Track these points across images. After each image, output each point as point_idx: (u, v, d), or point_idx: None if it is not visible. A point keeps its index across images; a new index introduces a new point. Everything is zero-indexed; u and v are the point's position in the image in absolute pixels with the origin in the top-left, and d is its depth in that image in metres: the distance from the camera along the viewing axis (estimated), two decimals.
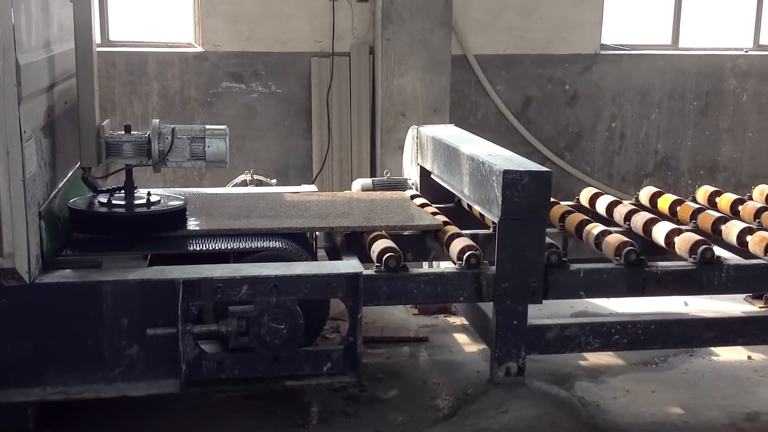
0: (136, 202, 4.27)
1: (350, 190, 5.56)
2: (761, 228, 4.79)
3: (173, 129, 4.26)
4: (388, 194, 5.18)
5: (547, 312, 4.80)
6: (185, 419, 4.06)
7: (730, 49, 7.85)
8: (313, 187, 5.44)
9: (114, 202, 4.22)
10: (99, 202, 4.24)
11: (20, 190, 3.42)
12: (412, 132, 5.52)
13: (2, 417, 3.65)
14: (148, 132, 4.27)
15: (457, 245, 4.26)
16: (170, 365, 3.74)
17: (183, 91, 6.84)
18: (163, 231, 4.18)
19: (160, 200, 4.31)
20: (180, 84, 6.83)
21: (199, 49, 6.87)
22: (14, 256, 3.46)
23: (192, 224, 4.29)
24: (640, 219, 4.85)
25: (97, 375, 3.70)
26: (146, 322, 3.69)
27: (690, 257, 4.34)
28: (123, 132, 4.29)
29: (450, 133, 5.17)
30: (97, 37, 4.37)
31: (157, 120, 4.33)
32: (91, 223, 4.15)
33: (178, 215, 4.26)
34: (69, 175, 4.35)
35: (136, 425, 3.99)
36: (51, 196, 3.94)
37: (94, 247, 4.04)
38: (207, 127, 4.33)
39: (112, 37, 6.85)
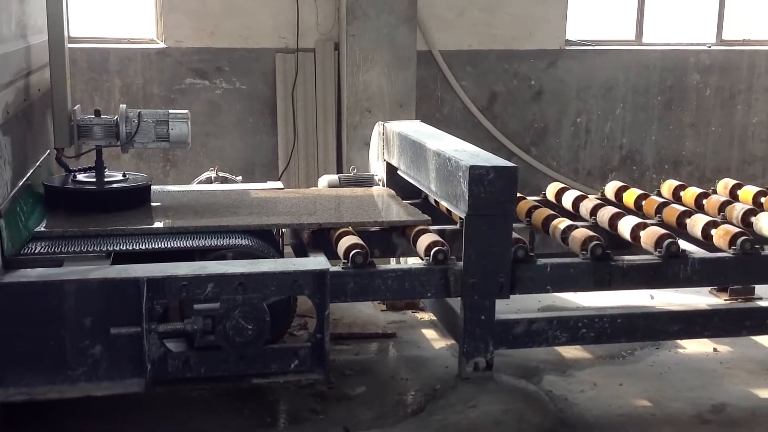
0: (106, 179, 4.59)
1: (316, 186, 5.53)
2: (725, 221, 4.85)
3: (139, 113, 4.58)
4: (355, 190, 5.16)
5: (514, 307, 4.81)
6: (151, 419, 4.01)
7: (693, 44, 7.95)
8: (279, 184, 5.40)
9: (84, 179, 4.57)
10: (71, 180, 4.57)
11: None
12: (378, 128, 5.50)
13: None
14: (116, 116, 4.58)
15: (424, 241, 4.25)
16: (135, 364, 3.68)
17: (146, 88, 6.75)
18: (129, 206, 4.46)
19: (127, 177, 4.65)
20: (143, 80, 6.74)
21: (162, 45, 6.79)
22: None
23: (156, 222, 4.24)
24: (605, 213, 4.88)
25: (61, 375, 3.63)
26: (110, 321, 3.62)
27: (655, 251, 4.37)
28: (93, 116, 4.61)
29: (416, 129, 5.16)
30: (67, 30, 4.57)
31: (125, 105, 4.66)
32: (64, 198, 4.44)
33: (144, 191, 4.60)
34: (29, 173, 4.27)
35: (102, 425, 3.93)
36: (11, 195, 3.86)
37: (56, 245, 3.97)
38: (170, 111, 4.67)
39: (72, 33, 6.72)
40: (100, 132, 4.56)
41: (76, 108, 4.60)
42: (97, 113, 4.62)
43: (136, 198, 4.57)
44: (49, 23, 4.35)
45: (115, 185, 4.55)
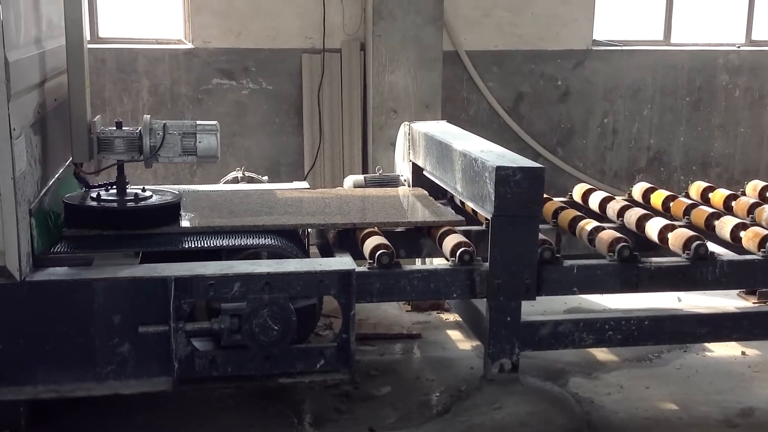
0: (128, 197, 4.28)
1: (342, 186, 5.54)
2: (755, 223, 4.79)
3: (164, 125, 4.27)
4: (381, 191, 5.17)
5: (540, 308, 4.80)
6: (177, 417, 4.04)
7: (722, 45, 7.86)
8: (304, 184, 5.42)
9: (106, 197, 4.24)
10: (91, 197, 4.24)
11: (10, 188, 3.40)
12: (404, 128, 5.50)
13: None
14: (140, 128, 4.27)
15: (450, 242, 4.24)
16: (162, 363, 3.72)
17: (173, 88, 6.80)
18: (155, 226, 4.16)
19: (152, 195, 4.31)
20: (170, 81, 6.79)
21: (189, 45, 6.83)
22: (5, 255, 3.44)
23: (184, 221, 4.27)
24: (633, 215, 4.85)
25: (89, 373, 3.68)
26: (138, 319, 3.67)
27: (683, 253, 4.33)
28: (114, 128, 4.30)
29: (442, 130, 5.15)
30: (87, 34, 4.35)
31: (149, 116, 4.32)
32: (83, 218, 4.13)
33: (172, 210, 4.26)
34: (60, 172, 4.31)
35: (128, 423, 3.97)
36: (41, 194, 3.91)
37: (86, 244, 4.01)
38: (198, 122, 4.34)
39: (101, 34, 6.80)
40: (121, 145, 4.24)
41: (96, 119, 4.31)
42: (119, 125, 4.31)
43: (165, 217, 4.22)
44: (67, 27, 4.10)
45: (139, 203, 4.22)
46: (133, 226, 4.12)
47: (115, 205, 4.19)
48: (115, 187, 4.33)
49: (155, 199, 4.29)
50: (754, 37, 7.93)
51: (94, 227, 4.09)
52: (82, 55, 4.18)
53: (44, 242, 3.87)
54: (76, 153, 4.18)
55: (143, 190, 4.35)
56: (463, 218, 4.68)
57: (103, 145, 4.25)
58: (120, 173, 4.30)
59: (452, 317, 5.36)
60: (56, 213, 4.12)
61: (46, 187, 4.04)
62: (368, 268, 4.06)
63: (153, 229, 4.14)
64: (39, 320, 3.61)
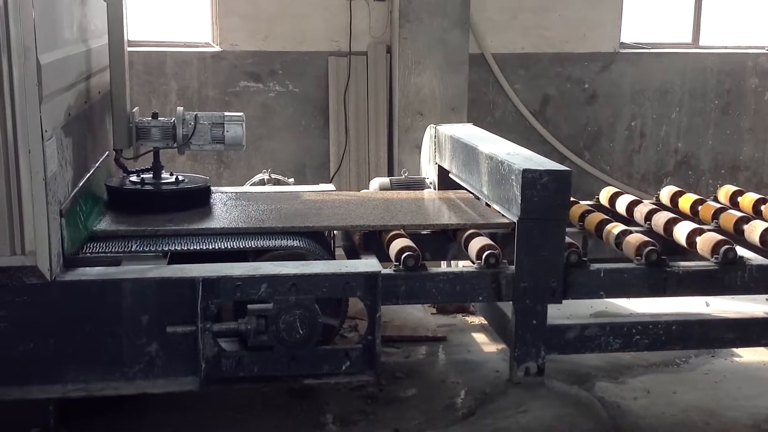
0: (164, 181, 4.66)
1: (368, 189, 5.55)
2: None
3: (196, 115, 4.65)
4: (407, 193, 5.17)
5: (566, 312, 4.78)
6: (204, 417, 4.06)
7: (751, 48, 7.80)
8: (330, 186, 5.44)
9: (146, 180, 4.63)
10: (130, 180, 4.63)
11: (42, 189, 3.44)
12: (429, 131, 5.50)
13: (24, 413, 3.67)
14: (174, 118, 4.64)
15: (476, 244, 4.24)
16: (190, 363, 3.75)
17: (201, 91, 6.85)
18: (189, 207, 4.48)
19: (185, 179, 4.70)
20: (198, 83, 6.84)
21: (217, 48, 6.89)
22: (36, 254, 3.48)
23: (211, 223, 4.30)
24: (661, 218, 4.81)
25: (117, 372, 3.71)
26: (166, 319, 3.70)
27: (712, 257, 4.30)
28: (151, 118, 4.67)
29: (468, 132, 5.15)
30: (127, 33, 4.72)
31: (182, 107, 4.70)
32: (125, 199, 4.50)
33: (204, 192, 4.65)
34: (89, 173, 4.36)
35: (155, 422, 4.00)
36: (72, 195, 3.95)
37: (115, 244, 4.05)
38: (226, 114, 4.72)
39: (130, 37, 6.83)
40: (157, 134, 4.63)
41: (134, 110, 4.69)
42: (155, 116, 4.69)
43: (197, 199, 4.60)
44: (109, 27, 4.48)
45: (175, 186, 4.60)
46: (168, 208, 4.44)
47: (151, 187, 4.57)
48: (151, 171, 4.69)
49: (187, 182, 4.66)
50: None
51: (133, 208, 4.42)
52: (123, 52, 4.55)
53: (74, 242, 3.91)
54: (117, 140, 4.58)
55: (171, 174, 4.72)
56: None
57: (141, 134, 4.64)
58: (156, 159, 4.70)
59: (477, 320, 5.35)
60: (86, 213, 4.17)
61: (77, 188, 4.08)
62: (394, 271, 4.07)
63: (185, 211, 4.43)
64: (69, 320, 3.65)
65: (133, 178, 4.66)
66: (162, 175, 4.68)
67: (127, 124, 4.56)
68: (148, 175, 4.67)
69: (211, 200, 4.71)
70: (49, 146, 3.50)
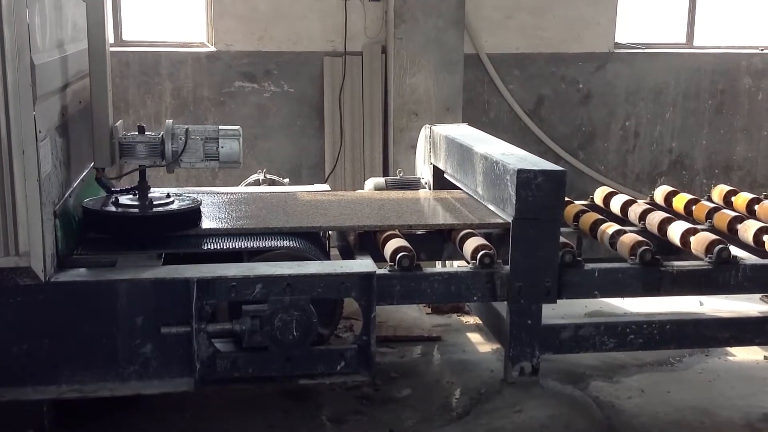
0: (150, 202, 4.24)
1: (363, 189, 5.55)
2: None
3: (187, 129, 4.22)
4: (401, 193, 5.18)
5: (560, 312, 4.79)
6: (198, 418, 4.07)
7: (745, 48, 7.81)
8: (325, 187, 5.44)
9: (127, 202, 4.22)
10: (112, 202, 4.22)
11: (35, 190, 3.43)
12: (425, 131, 5.51)
13: (18, 415, 3.67)
14: (162, 132, 4.23)
15: (470, 245, 4.24)
16: (184, 364, 3.74)
17: (196, 91, 6.85)
18: (177, 230, 4.17)
19: (173, 200, 4.30)
20: (193, 84, 6.84)
21: (212, 48, 6.88)
22: (30, 255, 3.47)
23: (206, 223, 4.30)
24: (655, 218, 4.82)
25: (112, 373, 3.71)
26: (160, 320, 3.69)
27: (706, 257, 4.31)
28: (136, 133, 4.26)
29: (463, 132, 5.16)
30: (110, 37, 4.33)
31: (171, 120, 4.30)
32: (104, 224, 4.14)
33: (193, 215, 4.26)
34: (84, 174, 4.36)
35: (149, 423, 4.00)
36: (66, 196, 3.95)
37: (109, 246, 4.05)
38: (221, 127, 4.29)
39: (125, 37, 6.87)
40: (143, 151, 4.17)
41: (118, 124, 4.27)
42: (141, 130, 4.25)
43: (186, 222, 4.21)
44: (89, 31, 4.04)
45: (162, 209, 4.18)
46: (154, 232, 4.12)
47: (136, 210, 4.17)
48: (137, 191, 4.27)
49: (176, 205, 4.25)
50: None
51: (113, 233, 4.10)
52: (105, 59, 4.12)
53: (68, 243, 3.90)
54: (97, 158, 4.13)
55: (168, 195, 4.33)
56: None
57: (125, 151, 4.19)
58: (142, 179, 4.26)
59: (472, 320, 5.36)
60: (80, 214, 4.16)
61: (71, 189, 4.08)
62: (389, 271, 4.07)
63: (174, 234, 4.14)
64: (63, 321, 3.65)
65: (116, 199, 4.23)
66: (150, 195, 4.25)
67: (110, 139, 4.08)
68: (129, 197, 4.25)
69: (204, 204, 4.48)
70: (43, 147, 3.50)
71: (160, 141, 4.19)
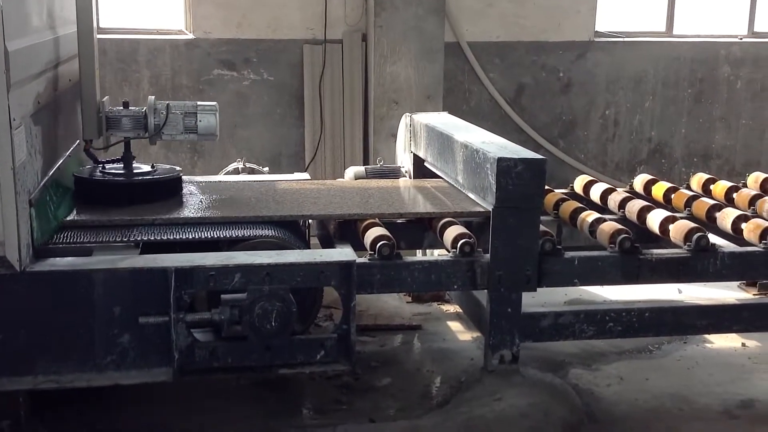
0: (135, 171, 4.57)
1: (343, 178, 5.53)
2: (756, 215, 4.79)
3: (168, 105, 4.54)
4: (382, 182, 5.16)
5: (540, 300, 4.80)
6: (177, 408, 4.05)
7: (724, 36, 7.84)
8: (305, 175, 5.42)
9: (114, 170, 4.53)
10: (100, 171, 4.52)
11: (10, 178, 3.39)
12: (405, 120, 5.49)
13: None
14: (145, 108, 4.54)
15: (451, 233, 4.24)
16: (163, 354, 3.71)
17: (174, 79, 6.79)
18: (160, 198, 4.40)
19: (156, 170, 4.60)
20: (171, 71, 6.78)
21: (190, 36, 6.82)
22: (4, 245, 3.43)
23: (184, 212, 4.27)
24: (634, 206, 4.84)
25: (89, 364, 3.67)
26: (138, 310, 3.66)
27: (685, 245, 4.33)
28: (122, 107, 4.58)
29: (443, 121, 5.14)
30: (96, 21, 4.63)
31: (153, 97, 4.59)
32: (93, 190, 4.39)
33: (174, 183, 4.56)
34: (59, 163, 4.31)
35: (127, 413, 3.97)
36: (41, 184, 3.90)
37: (85, 235, 4.01)
38: (198, 103, 4.62)
39: (102, 24, 6.78)
40: (128, 123, 4.53)
41: (104, 99, 4.60)
42: (126, 105, 4.60)
43: (167, 190, 4.52)
44: (78, 15, 4.37)
45: (145, 177, 4.50)
46: (138, 197, 4.37)
47: (122, 178, 4.47)
48: (121, 161, 4.59)
49: (159, 173, 4.57)
50: (757, 28, 7.91)
51: (102, 200, 4.33)
52: (92, 41, 4.43)
53: (44, 232, 3.86)
54: (86, 130, 4.47)
55: (152, 166, 4.64)
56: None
57: (111, 123, 4.54)
58: (126, 150, 4.60)
59: (453, 308, 5.36)
60: (56, 203, 4.12)
61: (46, 178, 4.03)
62: (369, 260, 4.05)
63: (157, 202, 4.36)
64: (39, 311, 3.61)
65: (105, 168, 4.56)
66: (133, 166, 4.59)
67: (97, 113, 4.47)
68: (118, 165, 4.59)
69: (183, 190, 4.64)
70: (17, 135, 3.45)
71: (144, 115, 4.53)
